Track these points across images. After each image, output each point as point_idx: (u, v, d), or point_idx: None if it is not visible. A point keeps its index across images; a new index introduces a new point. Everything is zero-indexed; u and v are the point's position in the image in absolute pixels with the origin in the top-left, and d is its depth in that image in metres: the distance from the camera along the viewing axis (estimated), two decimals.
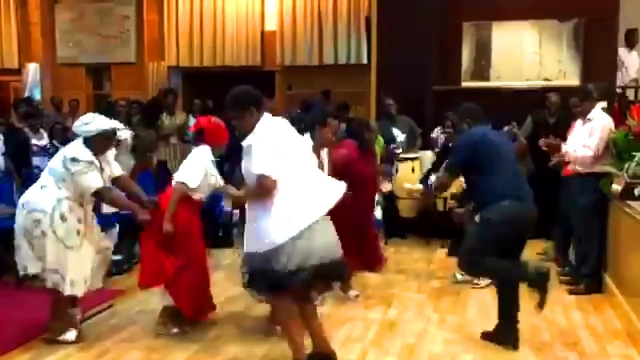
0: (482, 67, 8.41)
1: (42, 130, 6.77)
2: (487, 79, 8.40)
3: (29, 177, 6.00)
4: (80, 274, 3.91)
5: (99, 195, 4.03)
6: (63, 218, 3.87)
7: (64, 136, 6.99)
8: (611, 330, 4.23)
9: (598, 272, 5.08)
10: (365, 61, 9.26)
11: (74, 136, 4.11)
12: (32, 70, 11.07)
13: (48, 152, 6.55)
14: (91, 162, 3.92)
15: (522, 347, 3.93)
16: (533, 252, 6.27)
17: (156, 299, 4.85)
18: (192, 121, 7.42)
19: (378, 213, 6.03)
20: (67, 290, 3.88)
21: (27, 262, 3.89)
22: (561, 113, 6.70)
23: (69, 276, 3.86)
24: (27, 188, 5.30)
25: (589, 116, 5.11)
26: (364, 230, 5.15)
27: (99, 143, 3.97)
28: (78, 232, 3.94)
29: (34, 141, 6.72)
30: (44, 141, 6.68)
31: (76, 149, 3.94)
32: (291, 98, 9.32)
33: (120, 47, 10.49)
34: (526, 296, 4.89)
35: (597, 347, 3.95)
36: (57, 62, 10.75)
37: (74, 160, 3.88)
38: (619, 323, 4.35)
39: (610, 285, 4.87)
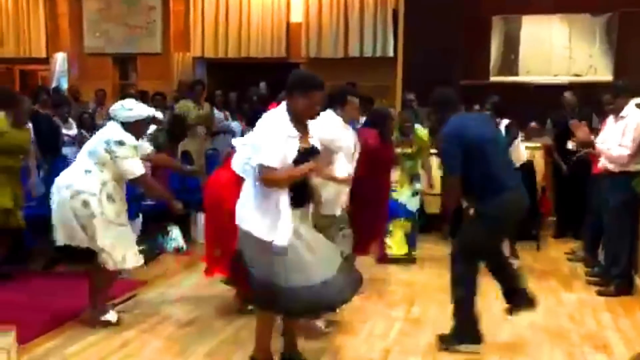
0: (510, 61, 8.29)
1: (70, 120, 6.79)
2: (515, 73, 8.27)
3: (56, 165, 6.03)
4: (130, 248, 4.03)
5: (137, 182, 4.09)
6: (110, 199, 3.94)
7: (92, 125, 7.02)
8: None
9: (629, 273, 4.95)
10: (391, 54, 9.15)
11: (109, 120, 4.14)
12: (60, 59, 11.17)
13: (81, 142, 6.57)
14: (136, 147, 3.98)
15: (551, 348, 3.85)
16: (561, 252, 6.17)
17: (178, 290, 4.91)
18: (216, 113, 7.42)
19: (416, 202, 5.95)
20: (119, 265, 3.98)
21: (63, 235, 3.96)
22: (580, 110, 6.60)
23: (121, 252, 3.96)
24: (54, 176, 5.39)
25: (622, 113, 4.96)
26: (377, 217, 5.01)
27: (138, 128, 4.04)
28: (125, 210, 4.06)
29: (64, 131, 6.76)
30: (74, 131, 6.70)
31: (120, 132, 3.95)
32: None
33: (146, 37, 10.53)
34: (554, 298, 4.82)
35: (627, 351, 3.84)
36: (84, 52, 10.82)
37: (120, 143, 3.90)
38: None
39: None
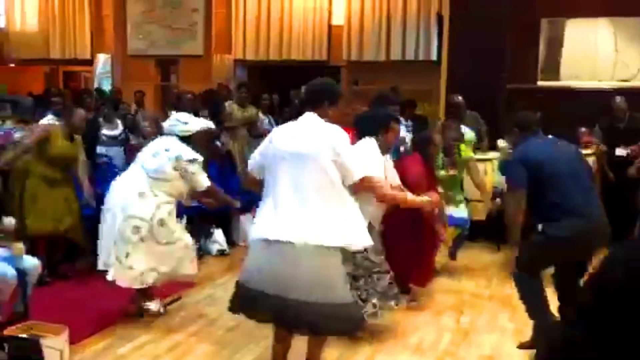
0: (554, 65, 8.08)
1: (117, 121, 6.81)
2: (558, 78, 8.07)
3: (96, 166, 6.08)
4: (159, 266, 4.02)
5: (205, 193, 4.20)
6: (162, 224, 3.97)
7: (134, 127, 7.06)
8: None
9: None
10: (434, 58, 9.02)
11: (160, 133, 4.19)
12: (102, 61, 11.35)
13: (125, 142, 6.62)
14: (201, 162, 4.07)
15: None
16: None
17: (223, 293, 4.88)
18: (261, 117, 7.40)
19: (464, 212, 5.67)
20: (152, 282, 4.03)
21: (106, 258, 4.02)
22: (630, 116, 6.42)
23: (144, 268, 3.97)
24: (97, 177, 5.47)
25: None
26: (419, 242, 4.68)
27: (198, 140, 4.11)
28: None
29: (104, 131, 6.79)
30: (118, 130, 6.71)
31: (188, 149, 4.02)
32: (356, 94, 9.18)
33: (188, 39, 10.62)
34: None
35: None
36: (127, 53, 10.97)
37: (192, 161, 3.99)
38: None
39: None
